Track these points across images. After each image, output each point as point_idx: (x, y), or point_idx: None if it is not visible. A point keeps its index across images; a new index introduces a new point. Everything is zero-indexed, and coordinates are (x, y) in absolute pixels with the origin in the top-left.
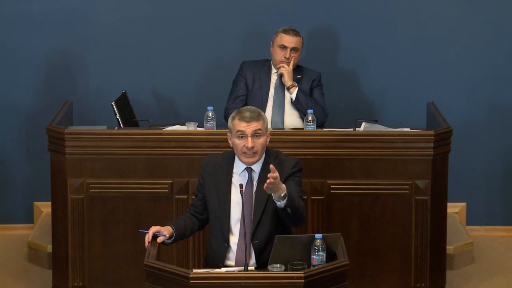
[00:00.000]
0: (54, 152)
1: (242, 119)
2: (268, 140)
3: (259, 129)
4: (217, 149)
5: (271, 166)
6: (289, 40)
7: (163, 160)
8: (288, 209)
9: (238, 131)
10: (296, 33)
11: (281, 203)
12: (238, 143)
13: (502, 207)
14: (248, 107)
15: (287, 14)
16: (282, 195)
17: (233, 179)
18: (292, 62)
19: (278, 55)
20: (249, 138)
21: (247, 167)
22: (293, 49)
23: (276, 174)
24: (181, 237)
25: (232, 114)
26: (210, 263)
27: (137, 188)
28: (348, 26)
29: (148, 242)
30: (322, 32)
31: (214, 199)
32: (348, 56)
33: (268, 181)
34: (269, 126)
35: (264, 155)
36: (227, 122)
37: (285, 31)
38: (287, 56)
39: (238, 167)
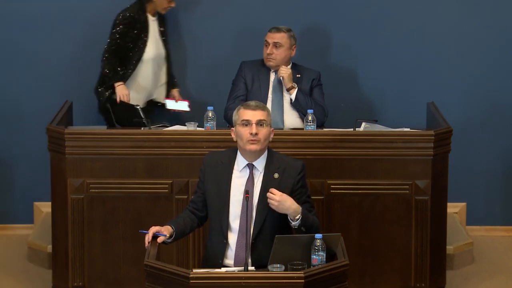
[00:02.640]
0: (54, 152)
1: (247, 107)
2: (272, 136)
3: (264, 119)
4: (217, 149)
5: (271, 189)
6: (271, 36)
7: (163, 160)
8: (303, 228)
9: (243, 120)
10: (278, 29)
11: (295, 223)
12: (243, 131)
13: (502, 207)
14: (253, 100)
15: (287, 14)
16: (297, 217)
17: (233, 176)
18: (277, 59)
19: (264, 52)
20: (254, 125)
21: (248, 163)
22: (275, 45)
23: (277, 196)
24: (181, 236)
25: (237, 107)
26: (210, 260)
27: (137, 188)
28: (348, 26)
29: (148, 242)
30: (322, 31)
31: (214, 195)
32: (348, 56)
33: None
34: None
35: (266, 152)
36: (227, 122)
37: (270, 29)
38: (268, 51)
39: (240, 163)
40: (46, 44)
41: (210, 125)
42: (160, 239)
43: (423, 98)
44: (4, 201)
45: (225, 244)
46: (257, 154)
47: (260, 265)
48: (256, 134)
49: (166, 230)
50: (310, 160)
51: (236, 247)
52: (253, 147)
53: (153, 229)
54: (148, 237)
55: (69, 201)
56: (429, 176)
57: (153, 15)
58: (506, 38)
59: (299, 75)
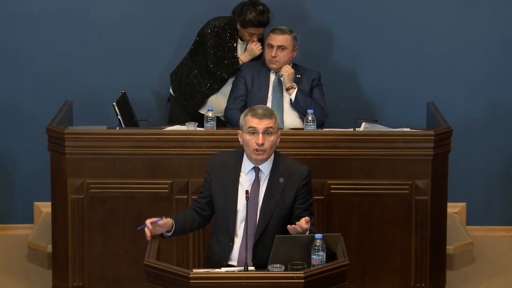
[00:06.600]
0: (54, 152)
1: (255, 115)
2: (279, 140)
3: (271, 127)
4: (217, 149)
5: (307, 218)
6: (274, 38)
7: (163, 160)
8: None
9: (250, 127)
10: (282, 31)
11: None
12: (249, 139)
13: (502, 207)
14: (261, 105)
15: (286, 14)
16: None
17: (240, 179)
18: (281, 61)
19: (267, 54)
20: (260, 135)
21: (254, 166)
22: (280, 48)
23: (307, 226)
24: (181, 231)
25: (245, 111)
26: (213, 261)
27: (137, 188)
28: (348, 26)
29: (150, 232)
30: (322, 31)
31: (221, 198)
32: (348, 56)
33: (297, 228)
34: None
35: (273, 156)
36: (228, 122)
37: (272, 30)
38: (273, 54)
39: (246, 166)
40: (46, 44)
41: (210, 125)
42: (160, 222)
43: (423, 98)
44: (4, 201)
45: (231, 246)
46: (263, 159)
47: (261, 266)
48: (262, 144)
49: (163, 220)
50: (310, 160)
51: (240, 249)
52: (259, 157)
53: (149, 220)
54: (148, 228)
55: (69, 201)
56: (429, 176)
57: (242, 40)
58: (506, 38)
59: (299, 75)
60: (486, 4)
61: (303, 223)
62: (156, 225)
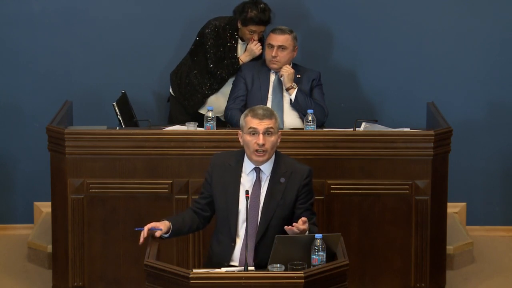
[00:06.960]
0: (54, 152)
1: (255, 116)
2: (279, 140)
3: (271, 127)
4: (217, 149)
5: (304, 219)
6: (275, 38)
7: (163, 160)
8: None
9: (250, 128)
10: (282, 31)
11: None
12: (250, 139)
13: (502, 207)
14: (261, 105)
15: (286, 14)
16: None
17: (241, 179)
18: (281, 61)
19: (267, 54)
20: (261, 135)
21: (255, 166)
22: (280, 47)
23: (305, 227)
24: (179, 233)
25: (245, 112)
26: (214, 261)
27: (137, 188)
28: (348, 26)
29: (144, 238)
30: (322, 31)
31: (222, 198)
32: (348, 56)
33: (294, 229)
34: None
35: (274, 156)
36: (228, 122)
37: (273, 30)
38: (273, 54)
39: (247, 166)
40: (46, 44)
41: (210, 125)
42: (157, 233)
43: (423, 98)
44: (4, 201)
45: (232, 246)
46: (264, 160)
47: (262, 266)
48: (263, 144)
49: (162, 225)
50: (310, 160)
51: (242, 250)
52: (260, 158)
53: (148, 225)
54: (143, 234)
55: (69, 201)
56: (429, 176)
57: (242, 40)
58: (506, 38)
59: (299, 76)
60: (486, 4)
61: (300, 224)
62: (153, 231)
